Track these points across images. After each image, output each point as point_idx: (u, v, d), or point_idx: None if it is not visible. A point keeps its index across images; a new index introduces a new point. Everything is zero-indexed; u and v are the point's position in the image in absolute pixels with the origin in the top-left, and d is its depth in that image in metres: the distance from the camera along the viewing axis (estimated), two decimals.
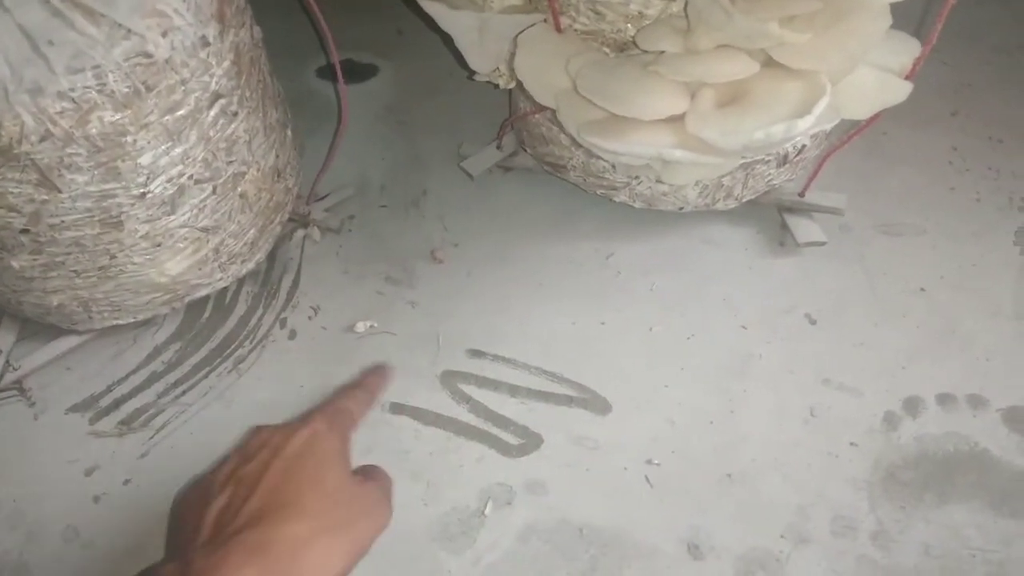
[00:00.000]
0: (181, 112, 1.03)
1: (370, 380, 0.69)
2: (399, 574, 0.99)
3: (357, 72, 1.63)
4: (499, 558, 1.00)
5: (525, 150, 1.37)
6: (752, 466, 1.06)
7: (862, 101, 0.95)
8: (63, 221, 1.03)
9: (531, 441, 1.10)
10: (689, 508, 1.03)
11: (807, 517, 1.01)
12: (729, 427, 1.09)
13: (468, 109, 1.53)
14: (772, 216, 1.31)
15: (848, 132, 1.17)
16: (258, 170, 1.18)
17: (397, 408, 1.13)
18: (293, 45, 1.64)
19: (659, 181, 1.15)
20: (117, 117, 0.98)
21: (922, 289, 1.23)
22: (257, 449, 0.59)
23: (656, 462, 1.07)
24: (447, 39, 1.19)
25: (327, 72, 1.63)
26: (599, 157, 1.16)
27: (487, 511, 1.03)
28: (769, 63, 0.93)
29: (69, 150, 0.96)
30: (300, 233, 1.35)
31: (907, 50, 0.98)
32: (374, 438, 1.10)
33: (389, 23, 1.74)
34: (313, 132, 1.49)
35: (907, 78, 0.98)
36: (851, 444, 1.07)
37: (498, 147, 1.40)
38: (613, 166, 1.16)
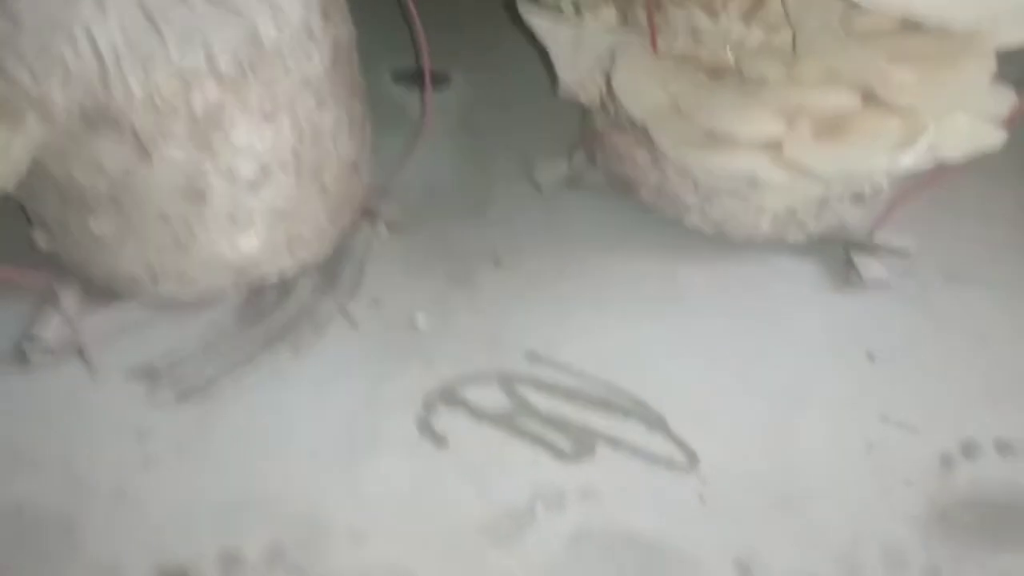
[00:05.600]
0: (279, 97, 1.06)
1: None
2: (447, 565, 0.99)
3: (431, 80, 1.66)
4: (548, 560, 0.99)
5: (596, 167, 1.39)
6: (806, 493, 1.05)
7: (956, 144, 0.97)
8: (150, 190, 1.05)
9: (584, 448, 1.10)
10: (740, 527, 1.02)
11: (859, 548, 1.00)
12: (785, 453, 1.09)
13: (539, 123, 1.55)
14: (839, 253, 1.31)
15: (914, 184, 1.19)
16: (338, 161, 1.20)
17: (453, 403, 1.14)
18: (365, 48, 1.68)
19: (737, 204, 1.16)
20: (220, 95, 1.01)
21: (984, 338, 1.23)
22: None
23: (710, 480, 1.06)
24: (521, 52, 1.22)
25: (401, 76, 1.66)
26: (675, 178, 1.18)
27: (538, 513, 1.03)
28: (866, 102, 0.95)
29: (169, 122, 0.99)
30: (367, 228, 1.37)
31: (1002, 98, 0.99)
32: (426, 429, 1.11)
33: (460, 33, 1.77)
34: (383, 134, 1.51)
35: (1005, 126, 0.99)
36: (906, 481, 1.07)
37: (568, 162, 1.42)
38: (695, 185, 1.17)
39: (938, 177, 1.13)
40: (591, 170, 1.40)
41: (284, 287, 1.28)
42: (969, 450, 1.10)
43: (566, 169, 1.41)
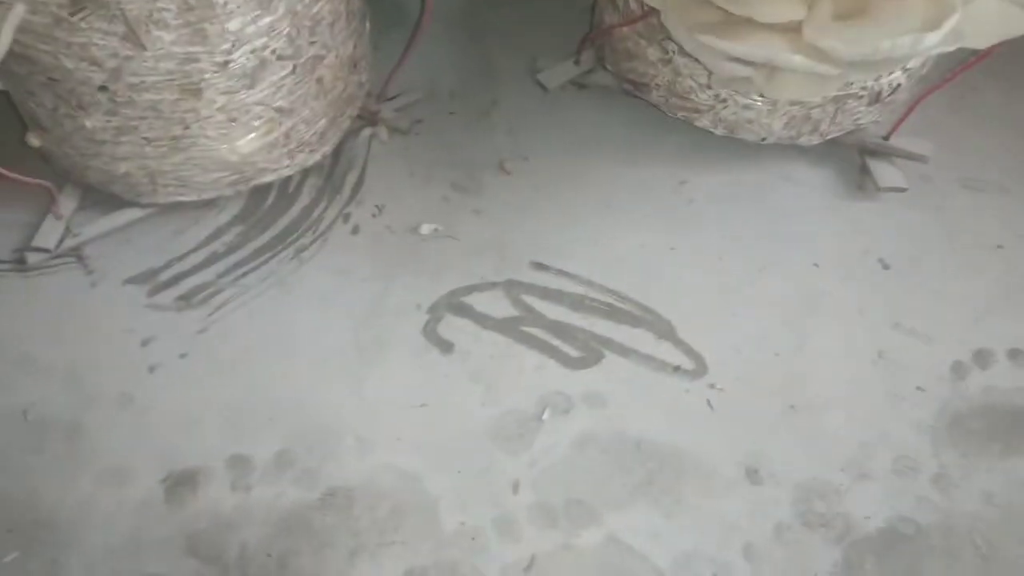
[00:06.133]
0: None
1: None
2: (456, 467, 0.99)
3: None
4: (555, 463, 0.99)
5: (605, 68, 1.34)
6: (816, 400, 1.05)
7: (983, 30, 0.92)
8: (143, 81, 1.01)
9: (591, 355, 1.09)
10: (750, 434, 1.02)
11: (869, 454, 1.00)
12: (795, 360, 1.08)
13: (545, 21, 1.49)
14: (852, 159, 1.28)
15: (934, 83, 1.15)
16: (336, 56, 1.16)
17: (459, 310, 1.12)
18: None
19: (754, 100, 1.11)
20: None
21: (1000, 246, 1.20)
22: None
23: (719, 387, 1.06)
24: None
25: None
26: (687, 76, 1.13)
27: (545, 417, 1.03)
28: None
29: (160, 4, 0.94)
30: (367, 131, 1.33)
31: None
32: (433, 335, 1.10)
33: None
34: (383, 34, 1.45)
35: None
36: (918, 388, 1.06)
37: (576, 62, 1.37)
38: (709, 82, 1.12)
39: (969, 65, 1.09)
40: (599, 71, 1.35)
41: (285, 192, 1.25)
42: (981, 358, 1.09)
43: (573, 69, 1.36)
